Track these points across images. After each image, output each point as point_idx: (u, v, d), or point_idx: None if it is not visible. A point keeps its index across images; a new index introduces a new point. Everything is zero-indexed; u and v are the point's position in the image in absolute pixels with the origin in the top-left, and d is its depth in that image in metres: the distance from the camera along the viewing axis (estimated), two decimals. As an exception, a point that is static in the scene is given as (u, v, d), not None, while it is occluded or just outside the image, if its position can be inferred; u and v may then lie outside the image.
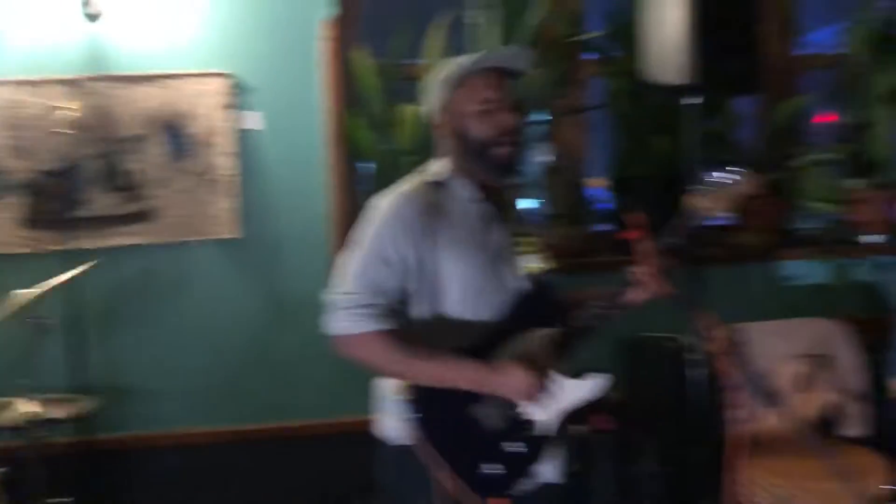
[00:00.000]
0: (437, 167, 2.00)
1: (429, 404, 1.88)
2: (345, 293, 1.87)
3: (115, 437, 3.08)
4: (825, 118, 3.72)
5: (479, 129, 1.89)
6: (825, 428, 3.14)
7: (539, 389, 1.86)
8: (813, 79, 3.65)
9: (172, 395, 3.15)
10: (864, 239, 3.50)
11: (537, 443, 1.89)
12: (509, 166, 1.93)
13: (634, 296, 1.90)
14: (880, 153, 3.45)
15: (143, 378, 3.14)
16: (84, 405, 2.66)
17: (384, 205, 1.93)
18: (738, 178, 1.86)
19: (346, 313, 1.86)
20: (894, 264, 3.43)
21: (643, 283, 1.87)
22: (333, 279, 1.94)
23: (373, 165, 3.24)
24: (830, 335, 3.15)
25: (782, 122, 3.45)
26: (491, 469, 1.85)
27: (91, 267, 2.75)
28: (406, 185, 1.98)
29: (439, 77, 1.95)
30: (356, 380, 3.14)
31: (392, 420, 1.94)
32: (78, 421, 2.83)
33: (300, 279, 3.19)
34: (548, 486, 1.97)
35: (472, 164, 1.94)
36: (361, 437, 3.05)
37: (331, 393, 3.23)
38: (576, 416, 2.09)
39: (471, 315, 1.91)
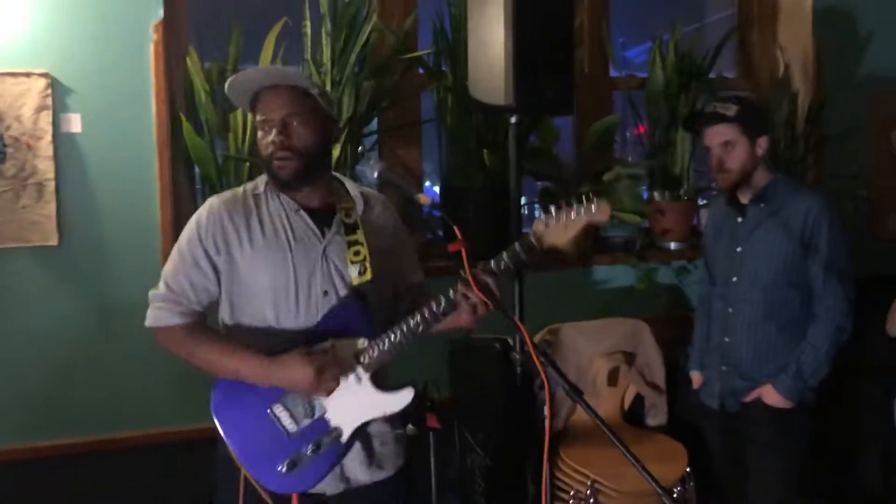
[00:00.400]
0: (262, 178, 2.08)
1: (225, 397, 2.00)
2: (157, 289, 2.03)
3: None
4: (642, 129, 4.04)
5: (261, 146, 2.01)
6: (632, 417, 3.46)
7: (321, 382, 1.92)
8: (624, 97, 3.97)
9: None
10: (667, 246, 3.86)
11: (335, 447, 1.97)
12: (290, 180, 1.99)
13: (457, 320, 1.98)
14: (679, 167, 3.81)
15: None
16: None
17: (201, 209, 2.04)
18: (590, 207, 1.86)
19: (154, 306, 2.02)
20: (693, 268, 3.79)
21: (465, 308, 1.92)
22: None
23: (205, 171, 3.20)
24: (636, 334, 3.46)
25: (596, 139, 3.73)
26: (285, 468, 1.94)
27: None
28: (226, 193, 2.07)
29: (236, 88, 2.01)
30: (184, 388, 3.14)
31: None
32: None
33: (127, 287, 3.08)
34: (362, 489, 2.06)
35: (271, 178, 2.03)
36: (194, 446, 3.07)
37: (158, 402, 3.17)
38: (407, 414, 2.21)
39: (280, 320, 1.99)
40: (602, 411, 3.29)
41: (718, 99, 2.88)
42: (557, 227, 1.90)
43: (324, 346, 1.97)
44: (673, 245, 3.84)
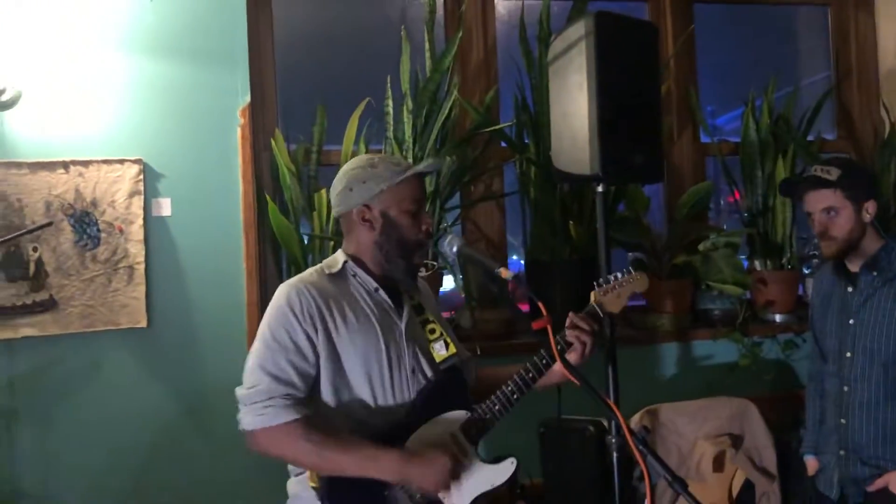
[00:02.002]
0: (336, 257, 2.04)
1: (340, 491, 1.88)
2: (250, 387, 1.88)
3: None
4: (737, 196, 3.86)
5: (410, 229, 1.98)
6: (741, 506, 3.18)
7: (452, 478, 1.88)
8: (717, 164, 3.82)
9: (76, 495, 2.97)
10: (771, 318, 3.62)
11: None
12: (418, 269, 2.05)
13: (547, 380, 2.02)
14: (780, 235, 3.60)
15: (43, 479, 2.96)
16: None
17: (279, 293, 1.96)
18: (629, 278, 2.15)
19: (254, 407, 1.87)
20: (801, 342, 3.54)
21: (579, 333, 2.01)
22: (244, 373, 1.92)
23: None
24: (743, 414, 3.22)
25: (689, 207, 3.58)
26: None
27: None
28: (304, 274, 2.00)
29: (372, 170, 2.00)
30: (269, 477, 3.07)
31: None
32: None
33: (214, 371, 3.10)
34: None
35: (390, 261, 2.00)
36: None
37: (243, 490, 3.10)
38: (494, 499, 2.10)
39: (376, 401, 1.93)
40: (708, 500, 3.05)
41: (818, 162, 2.69)
42: (612, 296, 2.15)
43: (437, 435, 1.93)
44: (778, 317, 3.61)
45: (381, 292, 2.01)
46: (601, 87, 2.55)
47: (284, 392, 1.87)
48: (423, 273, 2.23)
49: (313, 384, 1.94)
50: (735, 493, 3.18)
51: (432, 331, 2.02)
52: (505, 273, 1.87)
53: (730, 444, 3.13)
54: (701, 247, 3.47)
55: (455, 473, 1.89)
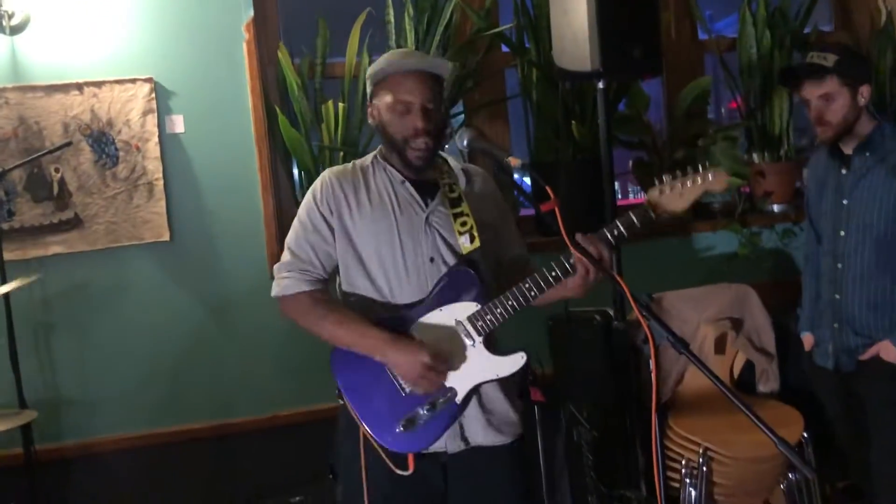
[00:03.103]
0: (370, 154, 2.16)
1: (345, 361, 2.04)
2: (282, 259, 2.09)
3: (55, 446, 3.08)
4: (735, 104, 3.92)
5: (394, 128, 2.05)
6: (742, 385, 3.36)
7: (431, 378, 1.96)
8: (715, 61, 3.86)
9: (112, 400, 3.16)
10: (770, 209, 3.73)
11: (451, 407, 2.00)
12: (422, 164, 2.07)
13: (566, 286, 1.99)
14: (778, 127, 3.68)
15: (81, 386, 3.14)
16: (25, 418, 2.66)
17: (316, 180, 2.13)
18: (707, 175, 1.91)
19: (280, 276, 2.08)
20: (799, 231, 3.66)
21: (582, 268, 1.93)
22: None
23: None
24: (742, 299, 3.36)
25: (688, 103, 3.65)
26: (403, 427, 1.98)
27: (32, 282, 2.74)
28: (341, 165, 2.17)
29: (371, 70, 2.09)
30: (292, 374, 3.26)
31: None
32: (22, 432, 2.84)
33: (236, 278, 3.25)
34: (481, 450, 2.09)
35: (392, 155, 2.11)
36: (305, 430, 3.19)
37: (270, 388, 3.29)
38: (514, 394, 2.22)
39: (392, 287, 2.05)
40: (710, 381, 3.22)
41: (815, 49, 2.75)
42: (672, 194, 1.95)
43: (442, 324, 2.01)
44: (776, 208, 3.71)
45: (408, 185, 2.10)
46: (599, -16, 2.61)
47: (301, 267, 2.07)
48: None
49: (335, 265, 2.11)
50: (736, 373, 3.35)
51: (463, 223, 2.06)
52: (514, 161, 1.92)
53: (730, 326, 3.28)
54: (700, 141, 3.55)
55: (432, 371, 1.95)
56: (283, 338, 3.17)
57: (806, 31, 3.75)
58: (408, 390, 2.00)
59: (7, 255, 2.90)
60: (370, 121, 2.13)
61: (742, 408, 1.65)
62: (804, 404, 3.09)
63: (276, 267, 2.11)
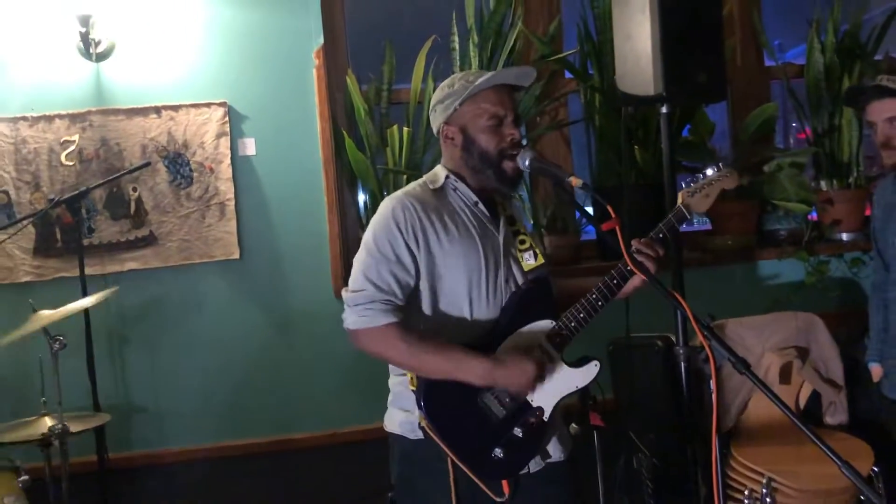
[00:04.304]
0: (437, 172, 2.16)
1: (435, 395, 1.99)
2: (354, 290, 2.02)
3: (125, 455, 3.20)
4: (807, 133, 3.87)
5: (489, 142, 2.03)
6: (808, 417, 3.27)
7: (538, 381, 1.99)
8: (782, 88, 3.83)
9: (180, 412, 3.27)
10: (838, 237, 3.65)
11: (541, 425, 2.02)
12: (516, 177, 2.07)
13: (627, 287, 2.06)
14: (847, 154, 3.62)
15: (151, 397, 3.26)
16: (100, 420, 2.77)
17: (385, 206, 2.06)
18: (721, 174, 2.15)
19: (356, 309, 1.99)
20: (869, 260, 3.57)
21: (643, 258, 2.01)
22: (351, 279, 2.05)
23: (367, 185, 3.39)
24: (809, 328, 3.29)
25: (754, 129, 3.61)
26: (501, 453, 1.98)
27: (111, 293, 2.86)
28: (408, 188, 2.13)
29: (449, 90, 2.08)
30: (357, 390, 3.31)
31: (403, 414, 2.06)
32: (95, 439, 2.96)
33: (301, 296, 3.33)
34: (554, 465, 2.09)
35: (479, 174, 2.07)
36: (364, 448, 3.22)
37: (333, 406, 3.36)
38: (572, 412, 2.23)
39: (473, 310, 2.04)
40: (775, 410, 3.14)
41: (886, 72, 2.72)
42: (700, 196, 2.15)
43: (526, 342, 2.02)
44: (845, 236, 3.64)
45: (481, 205, 2.09)
46: (663, 7, 2.63)
47: (384, 298, 1.99)
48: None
49: (413, 293, 2.05)
50: (802, 403, 3.27)
51: (522, 241, 2.10)
52: (575, 181, 1.94)
53: (796, 355, 3.21)
54: (766, 167, 3.51)
55: (539, 377, 1.98)
56: (345, 355, 3.23)
57: (877, 57, 3.69)
58: (499, 418, 1.99)
59: (87, 270, 3.03)
60: (447, 142, 2.09)
61: (806, 431, 1.62)
62: (874, 437, 3.00)
63: (350, 296, 2.00)
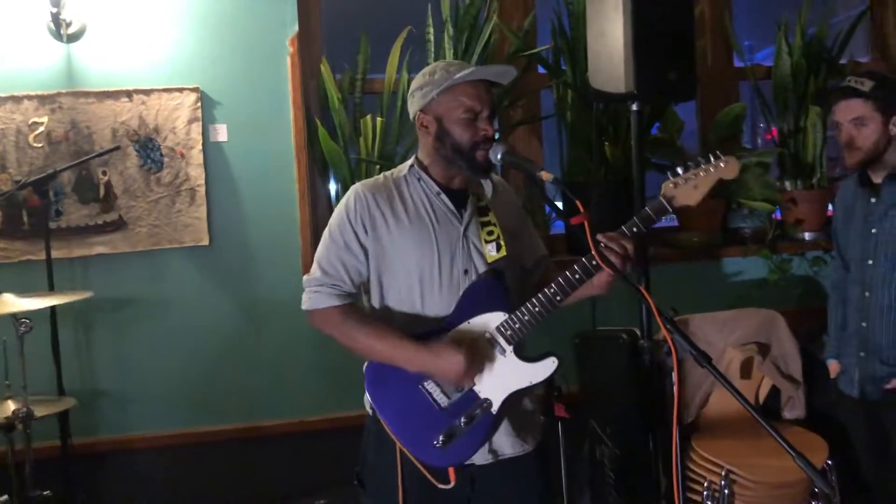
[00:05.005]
0: (408, 162, 2.18)
1: (379, 376, 2.05)
2: (309, 273, 2.11)
3: (90, 440, 3.18)
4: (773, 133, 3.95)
5: (462, 135, 2.05)
6: (767, 411, 3.35)
7: (470, 376, 1.99)
8: (751, 88, 3.90)
9: (146, 398, 3.26)
10: (801, 236, 3.74)
11: (487, 418, 2.02)
12: (488, 167, 2.08)
13: (590, 287, 2.02)
14: (811, 155, 3.70)
15: (118, 382, 3.24)
16: (65, 404, 2.76)
17: (345, 196, 2.13)
18: (718, 164, 1.95)
19: (307, 291, 2.09)
20: (830, 259, 3.65)
21: (609, 253, 1.94)
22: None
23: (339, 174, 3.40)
24: (770, 324, 3.36)
25: (722, 128, 3.68)
26: (441, 441, 1.99)
27: (82, 298, 2.81)
28: (373, 178, 2.17)
29: (428, 77, 2.09)
30: (326, 379, 3.33)
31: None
32: (59, 423, 2.94)
33: (271, 284, 3.33)
34: (507, 461, 2.10)
35: (450, 163, 2.08)
36: (333, 436, 3.24)
37: (303, 394, 3.37)
38: (538, 403, 2.26)
39: (425, 300, 2.07)
40: (735, 404, 3.21)
41: (853, 73, 2.78)
42: (687, 186, 1.97)
43: (472, 334, 2.03)
44: (807, 235, 3.72)
45: (443, 196, 2.11)
46: (636, 8, 2.67)
47: (330, 282, 2.08)
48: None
49: (364, 281, 2.12)
50: (762, 398, 3.35)
51: (490, 232, 2.10)
52: (546, 176, 1.95)
53: (757, 351, 3.28)
54: (733, 166, 3.56)
55: (470, 370, 1.97)
56: (315, 344, 3.24)
57: (842, 61, 3.77)
58: (444, 405, 2.02)
59: (54, 254, 3.00)
60: (421, 130, 2.11)
61: (764, 424, 1.67)
62: (829, 432, 3.08)
63: (305, 279, 2.11)
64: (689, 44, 2.85)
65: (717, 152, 1.98)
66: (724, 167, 1.95)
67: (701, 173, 1.96)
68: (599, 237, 1.95)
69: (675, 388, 1.80)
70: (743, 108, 3.74)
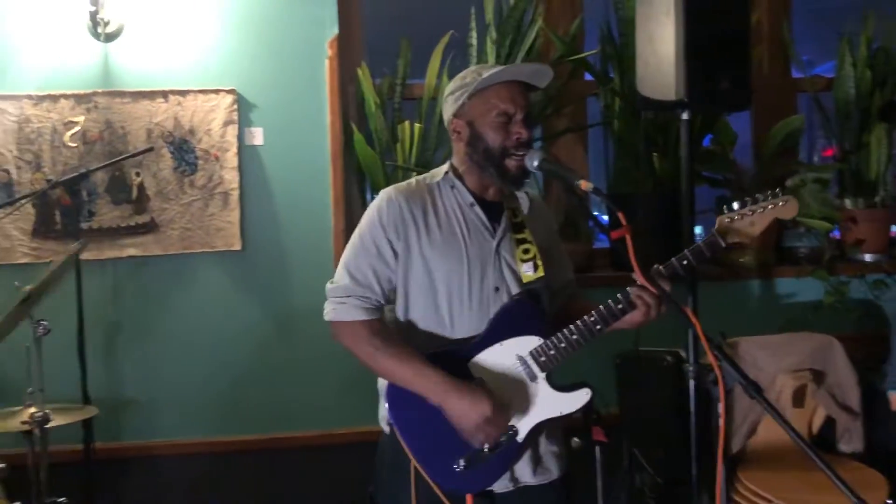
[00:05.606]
0: (442, 168, 2.08)
1: (402, 393, 1.94)
2: (334, 281, 1.99)
3: (114, 446, 3.12)
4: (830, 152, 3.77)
5: (494, 139, 1.95)
6: (821, 443, 3.15)
7: (488, 432, 1.87)
8: (809, 101, 3.71)
9: (172, 404, 3.20)
10: (861, 257, 3.53)
11: (511, 446, 1.92)
12: (520, 177, 1.98)
13: (631, 318, 1.94)
14: (874, 172, 3.49)
15: (143, 388, 3.19)
16: (87, 413, 2.70)
17: (375, 200, 2.02)
18: (777, 202, 1.92)
19: (332, 300, 1.98)
20: (892, 282, 3.45)
21: (640, 306, 1.91)
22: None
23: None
24: (826, 350, 3.17)
25: (778, 141, 3.50)
26: (462, 465, 1.90)
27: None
28: (406, 182, 2.06)
29: (460, 82, 2.00)
30: (350, 392, 3.23)
31: (383, 408, 2.01)
32: (83, 428, 2.88)
33: (303, 291, 3.25)
34: (528, 489, 2.00)
35: (483, 171, 1.98)
36: (358, 450, 3.14)
37: (329, 405, 3.28)
38: (576, 426, 2.13)
39: (454, 316, 1.96)
40: (786, 434, 3.03)
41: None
42: (743, 222, 1.93)
43: (506, 372, 1.93)
44: (868, 257, 3.52)
45: (477, 208, 2.01)
46: (689, 11, 2.53)
47: (360, 294, 1.95)
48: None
49: (395, 293, 2.00)
50: (815, 429, 3.15)
51: (526, 251, 1.99)
52: (585, 185, 1.84)
53: (811, 378, 3.09)
54: (789, 182, 3.39)
55: (494, 422, 1.87)
56: (342, 355, 3.11)
57: (911, 72, 3.56)
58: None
59: (84, 255, 2.96)
60: (454, 136, 2.02)
61: (819, 462, 1.53)
62: (889, 468, 2.88)
63: (330, 287, 1.99)
64: (745, 51, 2.69)
65: (778, 189, 1.93)
66: (784, 206, 1.92)
67: (759, 210, 1.92)
68: (631, 289, 1.90)
69: (722, 421, 1.66)
70: (801, 121, 3.56)
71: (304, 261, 3.26)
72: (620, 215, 1.76)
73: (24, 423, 2.43)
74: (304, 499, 3.22)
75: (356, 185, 3.39)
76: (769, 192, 1.94)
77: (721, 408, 1.69)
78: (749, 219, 1.92)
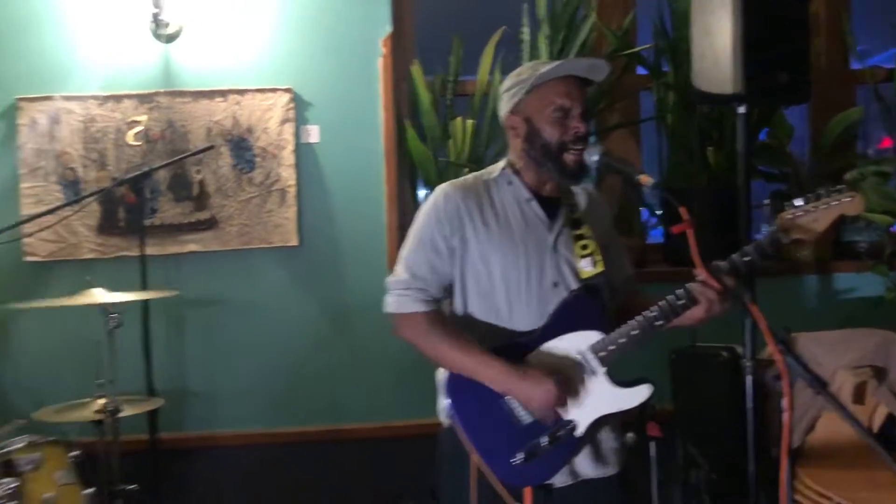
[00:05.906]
0: (499, 164, 2.09)
1: (461, 386, 1.96)
2: (394, 275, 2.01)
3: (178, 436, 3.21)
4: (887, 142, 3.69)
5: (552, 134, 1.95)
6: (882, 442, 3.09)
7: (558, 407, 1.89)
8: (867, 93, 3.64)
9: (233, 396, 3.28)
10: (922, 252, 3.46)
11: (570, 440, 1.93)
12: (578, 171, 1.98)
13: (692, 314, 1.92)
14: (937, 164, 3.42)
15: (206, 380, 3.28)
16: (154, 404, 2.79)
17: (432, 195, 2.04)
18: (842, 198, 1.85)
19: (395, 293, 1.99)
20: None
21: (703, 302, 1.88)
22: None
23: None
24: (888, 346, 3.10)
25: (835, 135, 3.44)
26: (521, 459, 1.90)
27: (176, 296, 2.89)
28: (463, 177, 2.08)
29: (516, 78, 2.01)
30: (406, 384, 3.27)
31: (443, 401, 2.02)
32: (148, 419, 2.97)
33: (358, 287, 3.30)
34: (587, 483, 2.00)
35: (541, 166, 1.99)
36: (415, 442, 3.17)
37: (386, 397, 3.33)
38: (630, 422, 2.13)
39: (512, 311, 1.97)
40: (846, 432, 2.98)
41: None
42: (806, 218, 1.87)
43: (563, 353, 1.94)
44: (929, 251, 3.44)
45: (534, 203, 2.02)
46: (746, 3, 2.50)
47: (417, 286, 1.97)
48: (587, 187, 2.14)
49: (454, 286, 2.02)
50: (876, 427, 3.09)
51: (584, 247, 1.99)
52: (645, 179, 1.84)
53: (872, 375, 3.03)
54: (848, 175, 3.33)
55: (562, 399, 1.88)
56: (401, 347, 3.14)
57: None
58: (526, 422, 1.93)
59: (148, 250, 3.05)
60: (510, 132, 2.03)
61: (889, 459, 1.50)
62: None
63: (390, 281, 2.02)
64: (804, 43, 2.65)
65: (841, 185, 1.86)
66: (849, 203, 1.84)
67: (822, 206, 1.85)
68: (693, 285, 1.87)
69: (787, 416, 1.64)
70: (859, 114, 3.50)
71: (358, 256, 3.32)
72: (682, 210, 1.76)
73: (97, 412, 2.51)
74: (363, 489, 3.26)
75: (408, 182, 3.43)
76: (831, 187, 1.88)
77: (786, 402, 1.66)
78: (812, 215, 1.86)
